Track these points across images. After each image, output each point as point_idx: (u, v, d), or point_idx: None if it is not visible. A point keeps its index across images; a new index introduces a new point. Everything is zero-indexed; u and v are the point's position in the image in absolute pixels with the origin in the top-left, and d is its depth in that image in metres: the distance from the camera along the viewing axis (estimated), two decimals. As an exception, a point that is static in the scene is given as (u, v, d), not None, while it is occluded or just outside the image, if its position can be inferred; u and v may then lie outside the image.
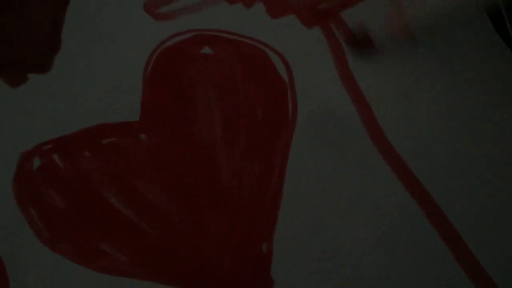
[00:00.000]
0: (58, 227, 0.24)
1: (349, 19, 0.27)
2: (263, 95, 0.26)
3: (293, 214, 0.25)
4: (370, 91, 0.27)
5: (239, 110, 0.26)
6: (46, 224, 0.23)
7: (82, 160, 0.24)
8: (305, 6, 0.28)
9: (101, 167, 0.24)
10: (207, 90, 0.26)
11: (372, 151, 0.26)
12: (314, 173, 0.25)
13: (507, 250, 0.26)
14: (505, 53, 0.28)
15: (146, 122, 0.25)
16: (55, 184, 0.24)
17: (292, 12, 0.27)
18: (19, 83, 0.24)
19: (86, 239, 0.24)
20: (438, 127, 0.27)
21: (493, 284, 0.25)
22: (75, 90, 0.25)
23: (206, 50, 0.27)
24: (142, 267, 0.23)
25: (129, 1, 0.27)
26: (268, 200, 0.25)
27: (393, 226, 0.25)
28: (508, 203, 0.26)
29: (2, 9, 0.24)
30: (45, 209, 0.24)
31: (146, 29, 0.26)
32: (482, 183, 0.26)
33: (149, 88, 0.26)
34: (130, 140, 0.25)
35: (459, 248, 0.25)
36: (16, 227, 0.23)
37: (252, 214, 0.25)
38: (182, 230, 0.24)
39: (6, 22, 0.25)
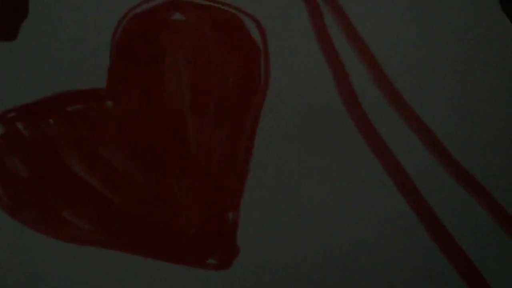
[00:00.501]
0: (21, 195, 0.23)
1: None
2: (235, 62, 0.25)
3: (260, 183, 0.24)
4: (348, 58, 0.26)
5: (209, 78, 0.25)
6: (8, 192, 0.23)
7: (46, 128, 0.24)
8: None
9: (65, 134, 0.24)
10: (177, 57, 0.25)
11: (349, 125, 0.25)
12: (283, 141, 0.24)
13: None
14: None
15: (113, 89, 0.24)
16: (18, 152, 0.23)
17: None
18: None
19: (49, 207, 0.23)
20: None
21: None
22: (41, 57, 0.25)
23: (178, 16, 0.26)
24: (106, 235, 0.23)
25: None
26: (236, 168, 0.24)
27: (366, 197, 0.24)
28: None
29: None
30: (7, 177, 0.23)
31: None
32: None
33: (117, 55, 0.25)
34: (96, 107, 0.24)
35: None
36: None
37: (219, 182, 0.24)
38: (147, 199, 0.23)
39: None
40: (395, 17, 0.26)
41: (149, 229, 0.23)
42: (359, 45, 0.26)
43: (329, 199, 0.25)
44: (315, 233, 0.24)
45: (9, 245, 0.23)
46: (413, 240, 0.25)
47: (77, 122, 0.24)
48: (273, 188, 0.24)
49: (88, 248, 0.23)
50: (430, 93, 0.26)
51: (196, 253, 0.23)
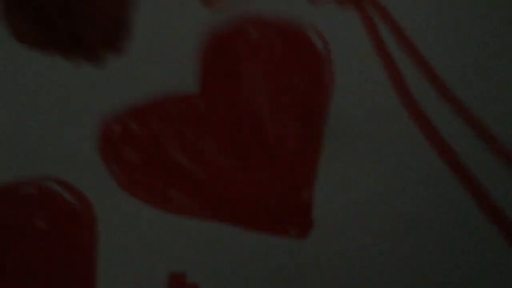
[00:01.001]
0: (136, 178, 0.28)
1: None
2: (302, 67, 0.30)
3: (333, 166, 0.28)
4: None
5: (280, 82, 0.29)
6: (123, 173, 0.28)
7: (152, 124, 0.29)
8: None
9: (168, 130, 0.28)
10: (253, 67, 0.29)
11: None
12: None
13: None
14: None
15: (204, 95, 0.29)
16: (131, 144, 0.28)
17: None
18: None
19: (157, 187, 0.28)
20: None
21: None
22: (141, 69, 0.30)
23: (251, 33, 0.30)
24: (201, 208, 0.27)
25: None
26: (307, 155, 0.28)
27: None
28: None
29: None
30: (123, 163, 0.28)
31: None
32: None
33: (205, 67, 0.30)
34: (192, 108, 0.29)
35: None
36: (103, 181, 0.28)
37: (294, 165, 0.28)
38: (233, 179, 0.27)
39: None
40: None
41: (235, 203, 0.27)
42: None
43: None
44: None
45: (122, 215, 0.27)
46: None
47: (177, 120, 0.29)
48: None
49: (187, 220, 0.27)
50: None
51: (278, 224, 0.27)
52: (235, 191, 0.27)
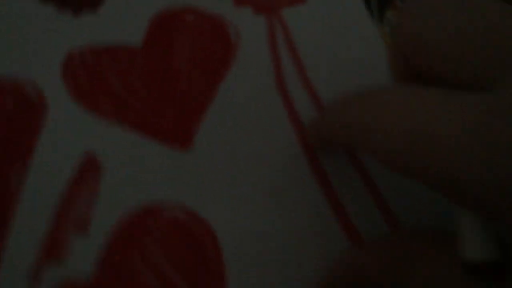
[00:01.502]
0: (82, 91, 0.39)
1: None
2: (215, 48, 0.41)
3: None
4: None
5: (198, 52, 0.41)
6: (74, 90, 0.39)
7: (103, 60, 0.40)
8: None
9: (114, 65, 0.40)
10: (183, 39, 0.41)
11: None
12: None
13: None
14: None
15: (144, 50, 0.41)
16: (84, 70, 0.40)
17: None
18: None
19: (93, 97, 0.39)
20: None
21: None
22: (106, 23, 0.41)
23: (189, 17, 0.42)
24: (119, 117, 0.38)
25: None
26: (204, 101, 0.39)
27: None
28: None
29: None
30: (75, 82, 0.39)
31: None
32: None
33: (149, 31, 0.41)
34: (133, 57, 0.40)
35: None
36: (60, 92, 0.39)
37: (191, 106, 0.39)
38: (148, 103, 0.38)
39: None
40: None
41: (145, 118, 0.38)
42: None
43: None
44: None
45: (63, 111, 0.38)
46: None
47: (121, 62, 0.40)
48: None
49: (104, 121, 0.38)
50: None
51: (167, 137, 0.38)
52: (147, 110, 0.38)
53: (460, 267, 0.23)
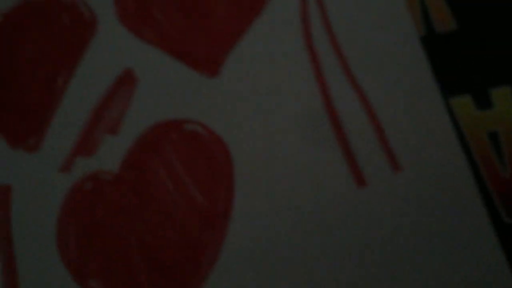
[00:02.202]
0: (136, 16, 0.43)
1: None
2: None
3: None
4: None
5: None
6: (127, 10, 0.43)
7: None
8: None
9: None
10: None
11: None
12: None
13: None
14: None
15: None
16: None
17: None
18: None
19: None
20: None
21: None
22: None
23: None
24: (160, 44, 0.42)
25: None
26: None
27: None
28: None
29: None
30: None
31: None
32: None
33: None
34: None
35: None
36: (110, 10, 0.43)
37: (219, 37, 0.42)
38: (183, 34, 0.42)
39: None
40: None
41: (181, 45, 0.42)
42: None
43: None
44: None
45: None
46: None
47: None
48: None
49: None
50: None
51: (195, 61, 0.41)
52: (182, 37, 0.42)
53: None
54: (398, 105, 0.39)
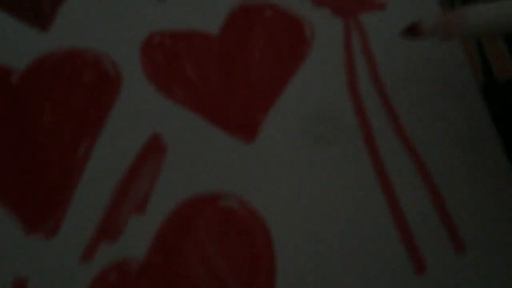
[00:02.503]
0: (157, 72, 0.38)
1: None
2: (288, 44, 0.40)
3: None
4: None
5: (272, 42, 0.39)
6: (151, 68, 0.38)
7: (179, 44, 0.39)
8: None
9: (189, 51, 0.39)
10: (259, 35, 0.40)
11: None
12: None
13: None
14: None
15: (221, 39, 0.40)
16: (161, 52, 0.39)
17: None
18: None
19: (167, 82, 0.38)
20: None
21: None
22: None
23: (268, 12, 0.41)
24: (191, 103, 0.37)
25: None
26: (275, 90, 0.38)
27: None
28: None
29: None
30: (152, 62, 0.39)
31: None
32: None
33: (227, 21, 0.40)
34: (209, 43, 0.39)
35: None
36: (136, 69, 0.38)
37: (260, 94, 0.38)
38: (218, 93, 0.37)
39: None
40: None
41: (215, 107, 0.37)
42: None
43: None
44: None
45: (136, 89, 0.38)
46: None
47: (197, 48, 0.39)
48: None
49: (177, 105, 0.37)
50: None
51: (233, 127, 0.37)
52: (216, 98, 0.37)
53: None
54: (458, 171, 0.34)
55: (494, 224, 0.33)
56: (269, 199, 0.34)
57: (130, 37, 0.39)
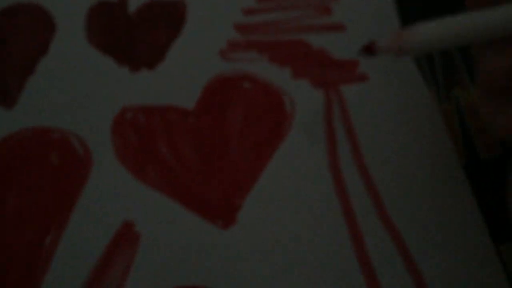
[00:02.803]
0: (127, 153, 0.36)
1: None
2: (269, 118, 0.38)
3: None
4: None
5: (251, 123, 0.37)
6: (122, 150, 0.36)
7: (153, 120, 0.37)
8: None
9: (163, 128, 0.37)
10: (238, 109, 0.38)
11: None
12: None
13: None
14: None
15: (196, 113, 0.37)
16: (134, 129, 0.37)
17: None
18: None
19: (140, 164, 0.36)
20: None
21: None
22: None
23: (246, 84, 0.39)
24: (165, 186, 0.35)
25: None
26: (253, 175, 0.35)
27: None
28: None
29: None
30: (124, 141, 0.36)
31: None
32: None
33: (204, 95, 0.38)
34: (185, 118, 0.37)
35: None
36: (106, 149, 0.36)
37: (240, 178, 0.35)
38: (196, 175, 0.35)
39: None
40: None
41: (190, 191, 0.35)
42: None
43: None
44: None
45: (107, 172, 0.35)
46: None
47: (172, 124, 0.37)
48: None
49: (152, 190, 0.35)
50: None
51: (210, 212, 0.34)
52: (193, 182, 0.35)
53: None
54: (440, 252, 0.32)
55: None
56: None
57: (100, 113, 0.37)
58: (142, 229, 0.33)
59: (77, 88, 0.38)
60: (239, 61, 0.39)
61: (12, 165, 0.35)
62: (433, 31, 0.26)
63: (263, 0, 0.41)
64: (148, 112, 0.37)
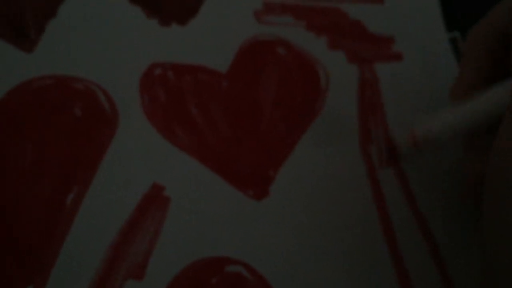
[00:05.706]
0: (156, 111, 0.31)
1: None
2: (304, 87, 0.33)
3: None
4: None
5: (285, 91, 0.33)
6: (151, 108, 0.31)
7: (184, 79, 0.32)
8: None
9: (194, 88, 0.32)
10: (271, 74, 0.33)
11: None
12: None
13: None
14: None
15: (229, 76, 0.33)
16: (163, 86, 0.31)
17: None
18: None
19: (170, 124, 0.31)
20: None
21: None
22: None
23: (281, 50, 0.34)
24: (195, 150, 0.30)
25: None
26: (287, 144, 0.31)
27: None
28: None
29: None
30: (153, 98, 0.31)
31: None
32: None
33: (237, 58, 0.33)
34: (216, 81, 0.32)
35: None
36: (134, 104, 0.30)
37: (272, 148, 0.31)
38: (226, 141, 0.30)
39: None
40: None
41: (221, 158, 0.30)
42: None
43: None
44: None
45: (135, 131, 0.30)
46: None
47: (202, 84, 0.32)
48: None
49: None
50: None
51: (243, 183, 0.30)
52: (224, 148, 0.30)
53: None
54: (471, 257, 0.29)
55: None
56: (277, 266, 0.28)
57: (127, 67, 0.31)
58: (171, 193, 0.29)
59: (102, 37, 0.32)
60: (273, 25, 0.34)
61: (30, 114, 0.29)
62: (445, 122, 0.25)
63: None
64: (178, 70, 0.32)
